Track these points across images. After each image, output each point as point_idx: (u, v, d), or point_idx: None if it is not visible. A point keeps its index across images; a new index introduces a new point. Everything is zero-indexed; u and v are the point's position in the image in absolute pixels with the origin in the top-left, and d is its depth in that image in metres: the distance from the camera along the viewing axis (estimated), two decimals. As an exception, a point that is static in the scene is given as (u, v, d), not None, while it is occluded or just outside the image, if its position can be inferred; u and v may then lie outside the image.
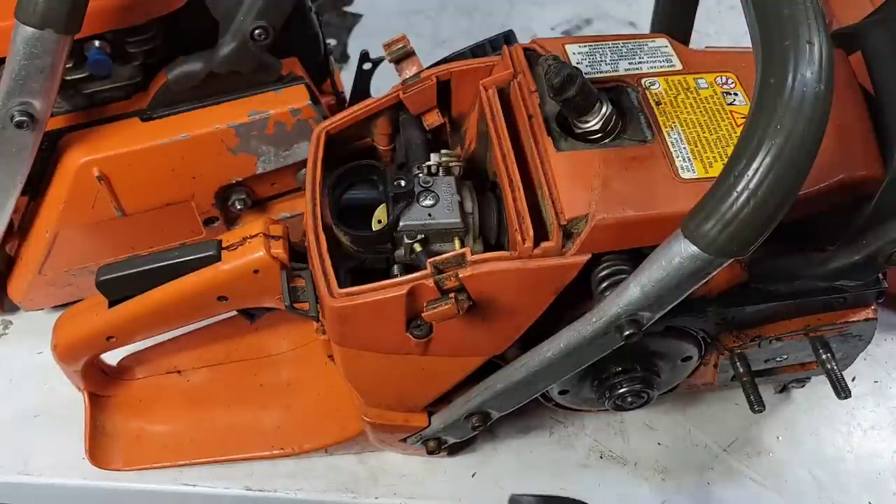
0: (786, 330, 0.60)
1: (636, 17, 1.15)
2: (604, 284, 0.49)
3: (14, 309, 0.81)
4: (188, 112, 0.69)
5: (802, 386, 0.74)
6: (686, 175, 0.49)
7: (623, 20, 1.15)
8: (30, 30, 0.57)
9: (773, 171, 0.38)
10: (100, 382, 0.70)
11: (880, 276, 0.57)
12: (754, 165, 0.39)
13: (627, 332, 0.47)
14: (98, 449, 0.69)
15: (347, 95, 0.83)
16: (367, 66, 0.80)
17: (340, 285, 0.52)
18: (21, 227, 0.73)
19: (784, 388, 0.75)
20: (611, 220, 0.47)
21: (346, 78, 0.87)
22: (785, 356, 0.64)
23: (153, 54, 0.69)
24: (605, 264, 0.50)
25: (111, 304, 0.61)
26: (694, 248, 0.42)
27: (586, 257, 0.48)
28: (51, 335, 0.64)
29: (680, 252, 0.42)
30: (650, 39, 0.58)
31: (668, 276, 0.44)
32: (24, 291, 0.76)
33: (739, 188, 0.39)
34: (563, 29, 1.13)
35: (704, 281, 0.44)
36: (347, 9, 1.18)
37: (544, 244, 0.48)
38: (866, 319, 0.60)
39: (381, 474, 0.72)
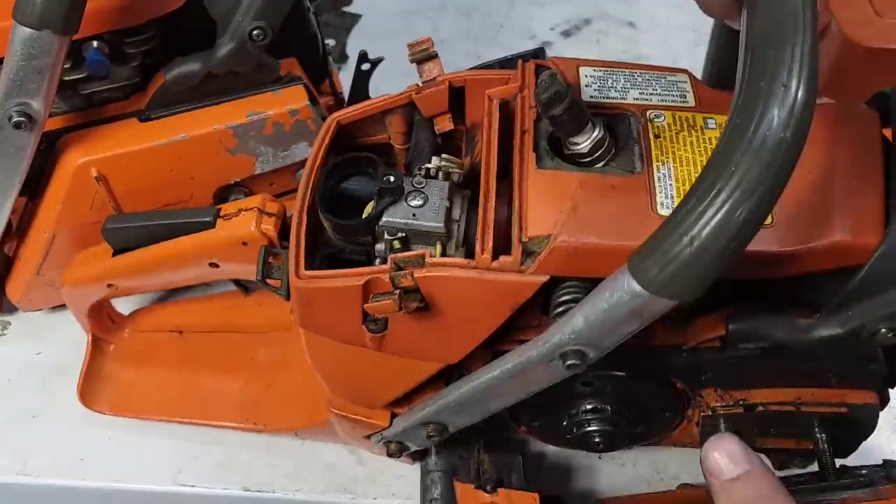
0: (774, 399, 0.57)
1: (636, 18, 1.12)
2: (558, 310, 0.48)
3: (12, 309, 0.82)
4: (186, 113, 0.70)
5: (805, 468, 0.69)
6: (663, 211, 0.47)
7: (623, 20, 1.12)
8: (27, 30, 0.57)
9: (720, 215, 0.36)
10: (105, 328, 0.74)
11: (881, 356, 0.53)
12: (700, 207, 0.37)
13: (570, 362, 0.45)
14: (89, 390, 0.72)
15: (346, 96, 0.83)
16: (365, 66, 0.80)
17: (312, 268, 0.53)
18: (19, 227, 0.74)
19: (783, 467, 0.69)
20: (572, 244, 0.46)
21: (344, 78, 0.88)
22: (774, 428, 0.60)
23: (151, 55, 0.69)
24: (564, 290, 0.48)
25: (114, 254, 0.64)
26: (635, 285, 0.40)
27: (544, 278, 0.47)
28: (50, 336, 0.68)
29: (623, 287, 0.41)
30: (670, 73, 0.56)
31: (610, 310, 0.42)
32: (23, 292, 0.77)
33: (684, 228, 0.37)
34: (562, 29, 1.11)
35: (648, 320, 0.42)
36: (346, 9, 1.18)
37: (503, 258, 0.47)
38: (865, 404, 0.56)
39: (379, 475, 0.72)
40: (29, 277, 0.75)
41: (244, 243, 0.59)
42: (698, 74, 0.69)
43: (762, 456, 0.45)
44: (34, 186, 0.70)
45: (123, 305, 0.77)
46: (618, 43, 1.10)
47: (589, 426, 0.59)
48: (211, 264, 0.62)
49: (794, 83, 0.37)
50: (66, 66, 0.63)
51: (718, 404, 0.58)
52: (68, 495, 0.74)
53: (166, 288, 0.67)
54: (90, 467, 0.72)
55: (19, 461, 0.73)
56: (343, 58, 1.12)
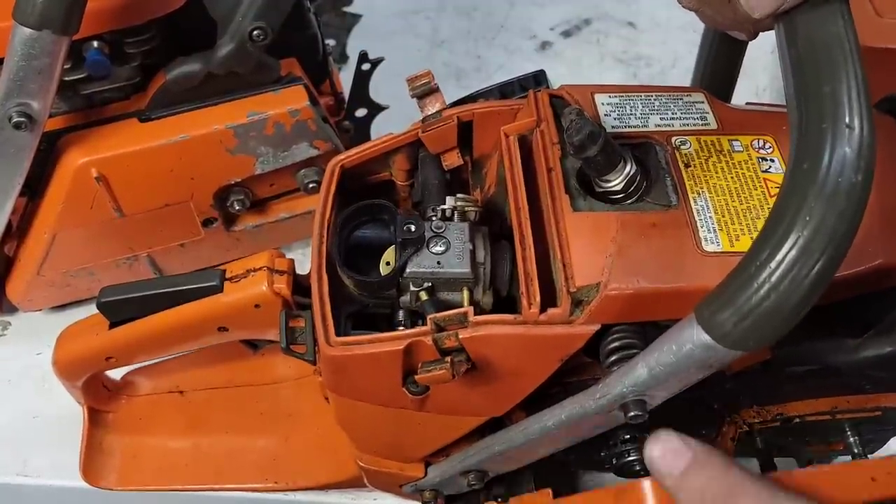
0: (811, 410, 0.57)
1: (636, 18, 1.12)
2: (612, 358, 0.46)
3: (13, 310, 0.81)
4: (187, 113, 0.69)
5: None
6: (709, 248, 0.46)
7: (623, 20, 1.12)
8: (28, 30, 0.56)
9: (799, 265, 0.35)
10: (101, 397, 0.70)
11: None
12: (778, 257, 0.36)
13: (632, 414, 0.44)
14: (92, 466, 0.68)
15: (346, 96, 0.83)
16: (365, 66, 0.79)
17: (341, 331, 0.50)
18: (20, 227, 0.73)
19: (809, 462, 0.70)
20: (623, 290, 0.44)
21: (345, 78, 0.87)
22: (810, 437, 0.60)
23: (152, 55, 0.68)
24: (614, 335, 0.47)
25: (112, 326, 0.60)
26: (707, 337, 0.39)
27: (595, 328, 0.46)
28: (50, 336, 0.63)
29: (692, 339, 0.39)
30: (686, 94, 0.55)
31: (678, 362, 0.41)
32: (23, 292, 0.76)
33: (760, 280, 0.36)
34: (562, 29, 1.10)
35: (716, 369, 0.41)
36: (346, 9, 1.17)
37: (551, 310, 0.46)
38: (899, 405, 0.56)
39: None
40: (29, 278, 0.74)
41: (256, 305, 0.56)
42: (698, 74, 0.69)
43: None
44: (34, 187, 0.69)
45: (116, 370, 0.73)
46: (618, 43, 1.09)
47: (629, 456, 0.58)
48: (220, 329, 0.58)
49: (857, 123, 0.36)
50: (66, 67, 0.63)
51: (755, 420, 0.58)
52: (68, 495, 0.73)
53: (169, 355, 0.63)
54: None
55: (19, 461, 0.73)
56: (343, 58, 1.10)
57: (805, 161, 0.36)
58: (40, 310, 0.81)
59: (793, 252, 0.35)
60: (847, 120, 0.36)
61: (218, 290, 0.57)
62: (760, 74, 0.99)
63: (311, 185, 0.76)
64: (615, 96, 0.54)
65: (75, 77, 0.66)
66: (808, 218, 0.35)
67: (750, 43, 0.57)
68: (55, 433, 0.73)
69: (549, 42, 1.09)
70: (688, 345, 0.40)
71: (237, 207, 0.76)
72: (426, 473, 0.60)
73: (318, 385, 0.68)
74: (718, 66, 0.67)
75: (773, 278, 0.36)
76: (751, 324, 0.37)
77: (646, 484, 0.44)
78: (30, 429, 0.75)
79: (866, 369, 0.48)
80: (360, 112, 0.91)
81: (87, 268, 0.76)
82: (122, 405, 0.71)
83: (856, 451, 0.59)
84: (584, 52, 1.08)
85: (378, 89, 0.91)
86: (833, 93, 0.36)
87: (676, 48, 1.06)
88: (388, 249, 0.55)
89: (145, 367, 0.73)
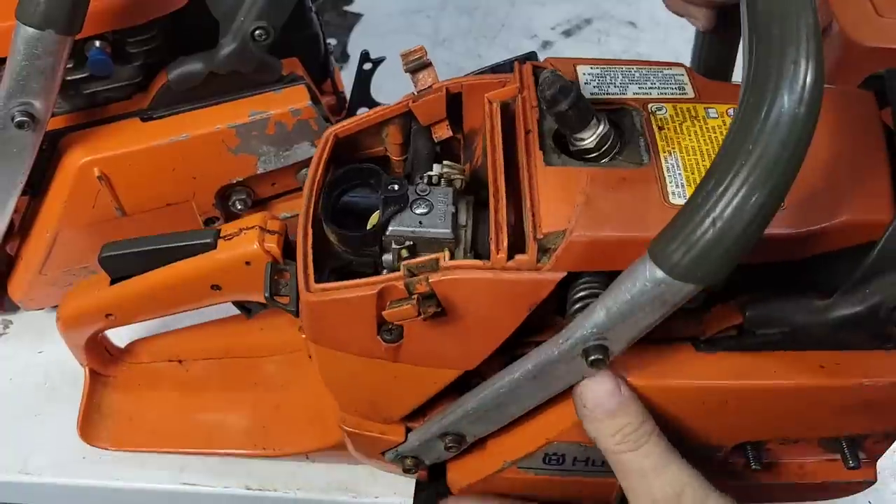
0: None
1: (636, 17, 1.13)
2: (576, 306, 0.47)
3: (14, 308, 0.81)
4: (188, 112, 0.70)
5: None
6: (675, 200, 0.47)
7: (623, 20, 1.14)
8: (30, 30, 0.57)
9: (742, 194, 0.36)
10: (102, 361, 0.72)
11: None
12: (721, 188, 0.37)
13: (593, 358, 0.45)
14: (90, 425, 0.70)
15: (348, 95, 0.83)
16: (367, 66, 0.80)
17: (320, 282, 0.52)
18: (21, 226, 0.73)
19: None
20: (588, 237, 0.46)
21: (346, 78, 0.88)
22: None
23: (154, 54, 0.69)
24: (580, 285, 0.48)
25: (112, 282, 0.63)
26: (658, 272, 0.40)
27: (561, 275, 0.47)
28: (51, 335, 0.66)
29: (644, 274, 0.40)
30: (666, 67, 0.56)
31: (632, 300, 0.42)
32: (25, 291, 0.76)
33: (705, 210, 0.37)
34: (563, 28, 1.12)
35: (671, 308, 0.42)
36: (347, 8, 1.19)
37: (518, 257, 0.47)
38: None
39: (381, 473, 0.71)
40: (31, 277, 0.74)
41: (247, 263, 0.58)
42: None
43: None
44: (37, 186, 0.70)
45: (118, 336, 0.75)
46: (618, 43, 1.11)
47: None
48: (213, 287, 0.60)
49: (803, 59, 0.37)
50: (68, 66, 0.63)
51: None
52: (69, 494, 0.73)
53: (167, 314, 0.65)
54: (92, 466, 0.71)
55: (20, 460, 0.73)
56: (345, 57, 1.12)
57: (751, 96, 0.37)
58: (42, 309, 0.81)
59: (735, 181, 0.37)
60: (794, 57, 0.37)
61: (212, 247, 0.59)
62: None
63: (311, 184, 0.78)
64: (597, 67, 0.56)
65: (77, 76, 0.67)
66: (750, 148, 0.36)
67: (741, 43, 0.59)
68: (56, 432, 0.74)
69: (550, 41, 1.11)
70: (641, 281, 0.41)
71: (239, 207, 0.76)
72: (406, 438, 0.60)
73: (308, 358, 0.70)
74: (712, 64, 0.69)
75: (717, 208, 0.37)
76: (697, 254, 0.38)
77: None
78: (31, 427, 0.75)
79: (837, 329, 0.48)
80: (362, 111, 0.91)
81: (89, 267, 0.76)
82: (123, 370, 0.73)
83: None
84: (585, 51, 1.09)
85: (380, 89, 0.92)
86: (782, 34, 0.38)
87: (676, 48, 1.07)
88: (375, 213, 0.57)
89: (148, 338, 0.76)
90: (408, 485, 0.68)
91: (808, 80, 0.36)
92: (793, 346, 0.50)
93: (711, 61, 0.72)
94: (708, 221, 0.37)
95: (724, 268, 0.38)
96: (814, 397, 0.50)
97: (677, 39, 1.08)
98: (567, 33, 1.12)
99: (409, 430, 0.60)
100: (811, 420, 0.53)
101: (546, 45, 1.10)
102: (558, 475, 0.57)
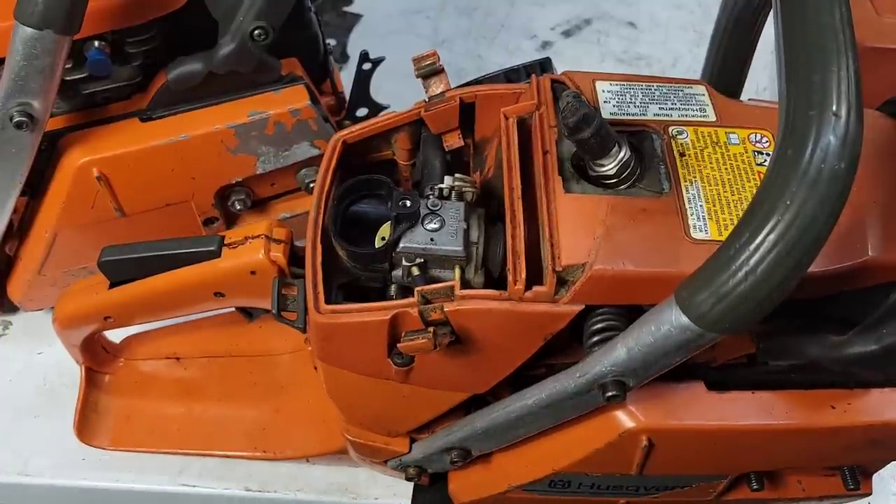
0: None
1: (636, 18, 1.13)
2: (594, 339, 0.47)
3: (14, 309, 0.81)
4: (188, 112, 0.69)
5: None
6: (697, 235, 0.46)
7: (623, 20, 1.13)
8: (29, 30, 0.56)
9: (777, 249, 0.36)
10: (99, 359, 0.71)
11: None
12: (757, 241, 0.36)
13: (610, 394, 0.45)
14: (86, 425, 0.69)
15: (347, 95, 0.82)
16: (366, 66, 0.79)
17: (330, 300, 0.51)
18: (21, 227, 0.73)
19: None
20: (608, 272, 0.45)
21: (345, 78, 0.87)
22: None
23: (153, 54, 0.68)
24: (598, 317, 0.47)
25: (112, 286, 0.61)
26: (685, 319, 0.39)
27: (579, 307, 0.46)
28: (50, 335, 0.65)
29: (671, 320, 0.40)
30: (687, 85, 0.55)
31: (656, 343, 0.41)
32: (24, 292, 0.76)
33: (738, 262, 0.36)
34: (563, 29, 1.11)
35: (694, 353, 0.41)
36: (347, 9, 1.18)
37: (536, 288, 0.46)
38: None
39: (381, 475, 0.70)
40: (30, 277, 0.74)
41: (252, 272, 0.57)
42: (699, 75, 0.69)
43: None
44: (36, 186, 0.69)
45: (115, 332, 0.74)
46: (618, 43, 1.09)
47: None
48: (216, 294, 0.59)
49: (843, 111, 0.36)
50: (67, 66, 0.62)
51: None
52: (69, 495, 0.73)
53: (167, 318, 0.64)
54: (91, 467, 0.71)
55: (20, 461, 0.73)
56: (344, 57, 1.11)
57: (790, 147, 0.36)
58: (41, 309, 0.80)
59: (771, 236, 0.36)
60: (834, 108, 0.36)
61: (216, 255, 0.58)
62: (760, 74, 0.98)
63: (311, 185, 0.76)
64: (616, 84, 0.54)
65: (76, 77, 0.66)
66: (788, 203, 0.35)
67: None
68: (56, 433, 0.73)
69: (550, 42, 1.10)
70: (666, 325, 0.40)
71: (238, 207, 0.76)
72: (410, 449, 0.60)
73: (310, 358, 0.69)
74: (728, 62, 0.67)
75: (751, 262, 0.36)
76: (727, 306, 0.37)
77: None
78: (31, 428, 0.75)
79: (850, 366, 0.47)
80: (361, 111, 0.91)
81: (88, 267, 0.75)
82: (120, 368, 0.72)
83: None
84: (585, 51, 1.09)
85: (379, 89, 0.91)
86: (822, 81, 0.37)
87: (676, 48, 1.06)
88: (384, 225, 0.56)
89: (144, 333, 0.74)
90: (407, 487, 0.68)
91: (850, 134, 0.35)
92: (803, 380, 0.50)
93: (729, 58, 0.70)
94: (741, 275, 0.36)
95: (752, 320, 0.38)
96: (823, 436, 0.50)
97: (677, 40, 1.07)
98: (567, 34, 1.11)
99: (413, 440, 0.60)
100: (818, 454, 0.53)
101: (546, 45, 1.09)
102: (562, 496, 0.57)
